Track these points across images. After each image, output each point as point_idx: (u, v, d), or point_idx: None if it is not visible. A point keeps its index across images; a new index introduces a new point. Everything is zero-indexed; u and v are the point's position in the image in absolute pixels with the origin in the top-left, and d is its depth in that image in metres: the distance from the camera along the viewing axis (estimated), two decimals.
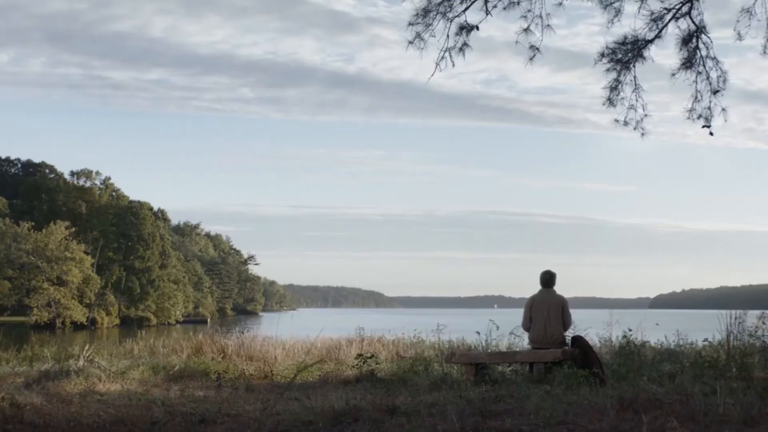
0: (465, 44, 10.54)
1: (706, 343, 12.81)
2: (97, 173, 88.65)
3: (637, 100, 11.32)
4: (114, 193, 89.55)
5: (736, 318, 12.24)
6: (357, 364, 10.78)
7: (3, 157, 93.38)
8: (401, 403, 6.61)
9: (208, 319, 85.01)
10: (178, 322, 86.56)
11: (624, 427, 4.79)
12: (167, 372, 11.06)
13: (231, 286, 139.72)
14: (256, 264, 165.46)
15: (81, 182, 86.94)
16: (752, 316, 12.86)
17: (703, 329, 15.65)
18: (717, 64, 11.08)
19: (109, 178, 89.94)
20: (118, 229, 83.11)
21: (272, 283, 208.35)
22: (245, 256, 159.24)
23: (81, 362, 11.89)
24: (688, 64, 11.12)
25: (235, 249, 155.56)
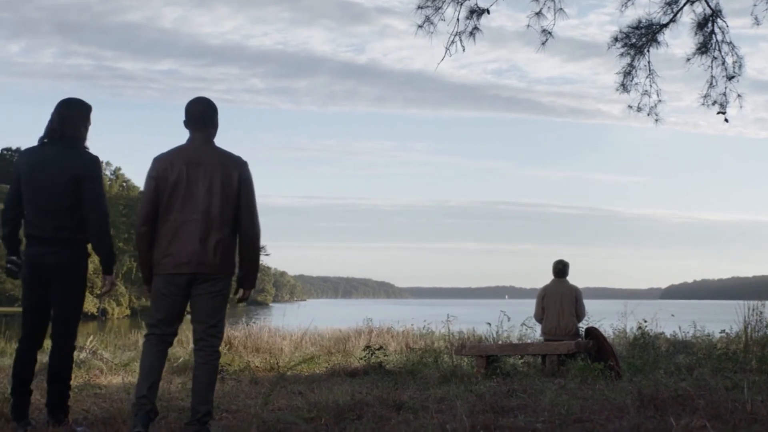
0: (476, 28, 10.30)
1: (723, 334, 12.53)
2: (108, 164, 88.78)
3: (651, 86, 11.18)
4: (124, 184, 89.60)
5: (753, 309, 11.96)
6: (365, 356, 10.54)
7: (14, 147, 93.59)
8: (409, 397, 6.35)
9: None
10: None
11: (647, 426, 4.50)
12: (171, 364, 10.80)
13: None
14: (267, 255, 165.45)
15: None
16: None
17: (717, 320, 15.36)
18: (733, 49, 10.87)
19: (120, 169, 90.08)
20: (128, 219, 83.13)
21: (283, 273, 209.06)
22: None
23: (84, 354, 11.68)
24: (703, 49, 10.90)
25: None
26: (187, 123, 4.97)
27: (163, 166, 4.83)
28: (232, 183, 4.79)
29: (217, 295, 4.85)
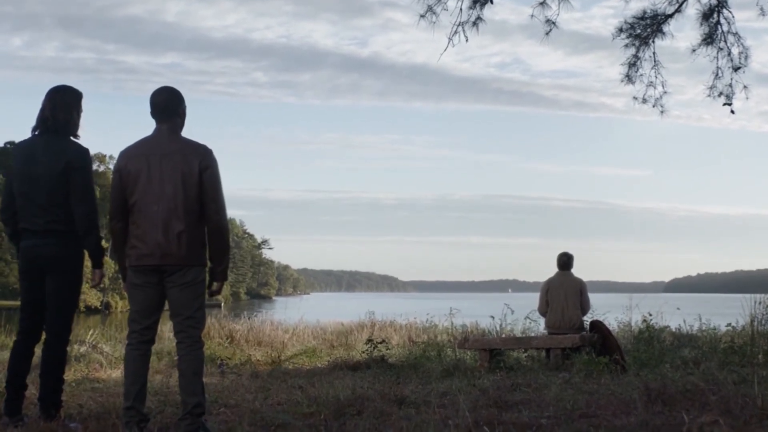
0: (479, 18, 10.16)
1: (729, 328, 12.40)
2: (111, 157, 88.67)
3: (656, 77, 11.08)
4: None
5: (759, 302, 11.83)
6: (367, 350, 10.44)
7: (16, 141, 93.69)
8: (411, 392, 6.25)
9: (222, 304, 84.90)
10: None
11: (655, 422, 4.38)
12: (171, 358, 10.73)
13: (245, 270, 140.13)
14: (270, 248, 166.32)
15: (94, 166, 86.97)
16: None
17: (721, 314, 15.24)
18: (739, 40, 10.77)
19: None
20: None
21: (286, 267, 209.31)
22: (259, 240, 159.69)
23: (84, 348, 11.59)
24: (708, 39, 10.80)
25: (248, 233, 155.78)
26: (152, 114, 4.95)
27: (125, 159, 4.87)
28: (193, 172, 4.75)
29: (189, 286, 4.77)
